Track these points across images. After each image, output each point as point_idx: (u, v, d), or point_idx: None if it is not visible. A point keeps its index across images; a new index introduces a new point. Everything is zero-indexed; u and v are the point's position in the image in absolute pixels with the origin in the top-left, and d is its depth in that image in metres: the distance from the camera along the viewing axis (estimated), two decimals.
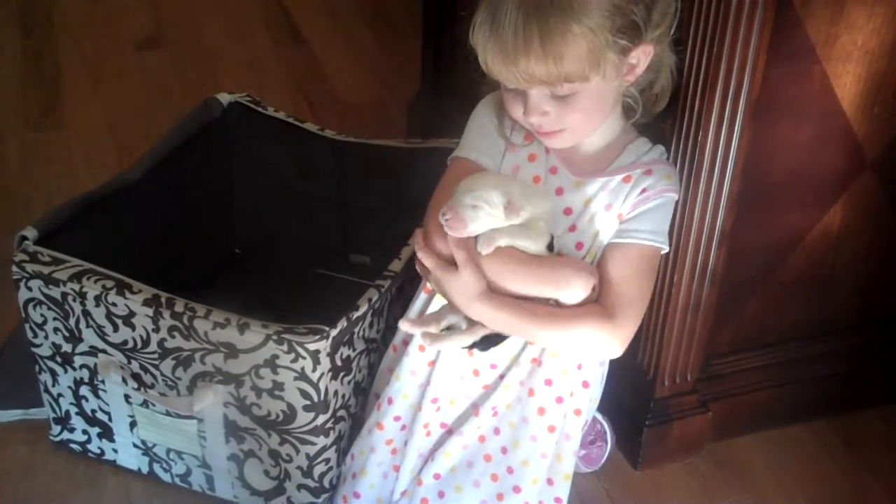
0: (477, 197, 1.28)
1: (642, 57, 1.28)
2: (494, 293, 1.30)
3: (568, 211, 1.34)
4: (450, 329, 1.36)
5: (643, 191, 1.33)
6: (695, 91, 1.37)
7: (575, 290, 1.30)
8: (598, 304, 1.32)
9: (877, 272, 1.67)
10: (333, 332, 1.39)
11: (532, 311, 1.30)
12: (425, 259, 1.33)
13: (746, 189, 1.46)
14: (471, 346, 1.35)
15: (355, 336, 1.45)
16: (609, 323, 1.31)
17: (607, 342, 1.32)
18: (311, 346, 1.37)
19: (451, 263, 1.31)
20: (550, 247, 1.32)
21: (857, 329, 1.70)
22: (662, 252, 1.37)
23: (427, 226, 1.36)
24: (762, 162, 1.46)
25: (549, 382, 1.38)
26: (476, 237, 1.29)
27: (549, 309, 1.31)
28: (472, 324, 1.33)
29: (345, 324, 1.41)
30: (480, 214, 1.27)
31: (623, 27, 1.23)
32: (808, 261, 1.60)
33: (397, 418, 1.45)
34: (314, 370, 1.38)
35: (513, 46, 1.22)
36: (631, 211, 1.33)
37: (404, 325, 1.37)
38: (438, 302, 1.39)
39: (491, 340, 1.34)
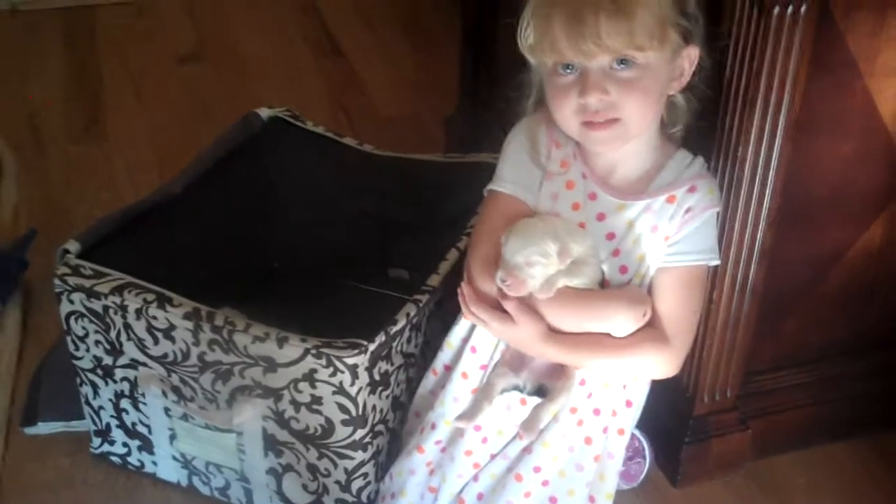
0: (530, 254, 1.26)
1: (686, 63, 1.28)
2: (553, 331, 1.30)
3: (611, 236, 1.33)
4: (511, 391, 1.36)
5: (688, 210, 1.32)
6: (735, 106, 1.37)
7: (620, 322, 1.29)
8: (654, 328, 1.32)
9: None
10: (372, 347, 1.39)
11: (593, 342, 1.31)
12: (479, 312, 1.32)
13: (787, 204, 1.45)
14: (528, 394, 1.36)
15: (393, 351, 1.45)
16: (666, 347, 1.32)
17: (665, 365, 1.34)
18: (350, 361, 1.37)
19: (500, 308, 1.30)
20: (601, 282, 1.32)
21: None
22: (713, 265, 1.37)
23: (470, 268, 1.35)
24: (803, 177, 1.45)
25: (597, 412, 1.38)
26: None
27: (609, 339, 1.31)
28: (533, 381, 1.35)
29: (383, 338, 1.41)
30: (537, 270, 1.26)
31: (684, 12, 1.24)
32: (849, 277, 1.59)
33: (438, 442, 1.44)
34: (352, 384, 1.39)
35: (582, 4, 1.21)
36: (677, 232, 1.32)
37: (460, 425, 1.35)
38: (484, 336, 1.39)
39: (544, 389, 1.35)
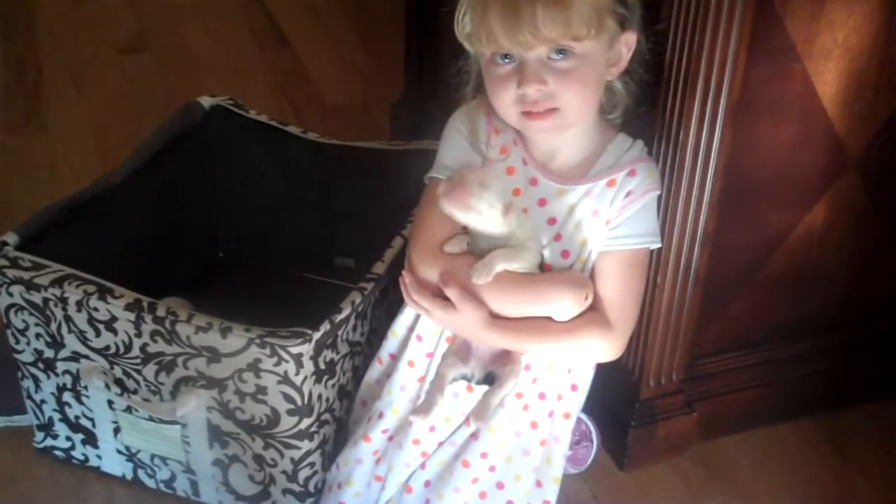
0: (485, 184, 1.27)
1: (624, 49, 1.28)
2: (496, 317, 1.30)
3: (552, 220, 1.33)
4: (460, 380, 1.36)
5: (628, 194, 1.32)
6: (675, 90, 1.37)
7: (562, 305, 1.30)
8: (597, 312, 1.32)
9: (860, 270, 1.67)
10: (316, 336, 1.38)
11: (535, 327, 1.31)
12: (422, 301, 1.32)
13: (728, 189, 1.46)
14: (476, 383, 1.36)
15: (339, 339, 1.44)
16: (609, 331, 1.33)
17: (609, 349, 1.35)
18: (294, 350, 1.36)
19: (443, 294, 1.30)
20: (541, 266, 1.32)
21: (840, 327, 1.71)
22: (654, 248, 1.38)
23: (412, 256, 1.35)
24: (744, 161, 1.46)
25: (542, 396, 1.38)
26: (474, 266, 1.28)
27: (552, 324, 1.31)
28: (481, 369, 1.35)
29: (328, 327, 1.40)
30: (485, 196, 1.26)
31: (620, 3, 1.24)
32: (792, 260, 1.60)
33: (385, 431, 1.44)
34: (297, 374, 1.38)
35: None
36: (618, 215, 1.33)
37: (417, 419, 1.35)
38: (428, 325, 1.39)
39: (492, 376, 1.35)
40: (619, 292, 1.34)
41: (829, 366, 1.72)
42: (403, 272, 1.35)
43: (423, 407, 1.34)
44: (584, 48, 1.24)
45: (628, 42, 1.28)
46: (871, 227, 1.63)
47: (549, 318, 1.31)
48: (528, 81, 1.25)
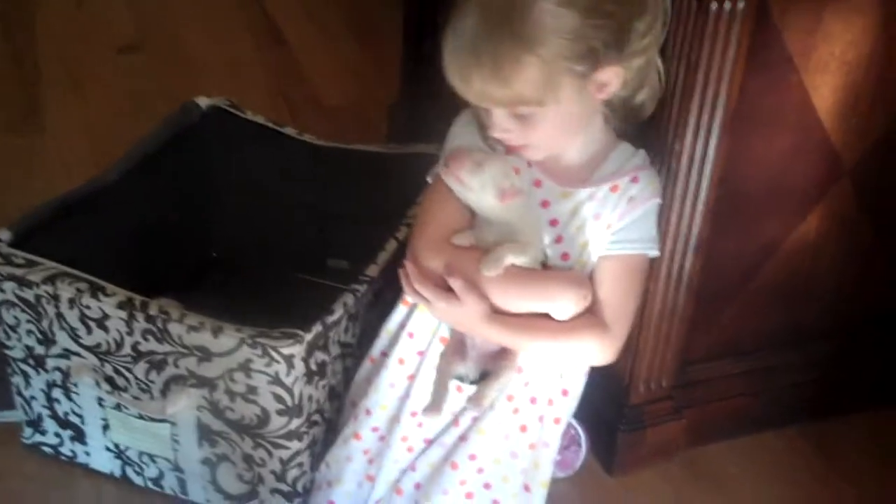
0: (486, 161, 1.28)
1: (614, 77, 1.26)
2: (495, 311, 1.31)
3: (554, 222, 1.33)
4: (458, 379, 1.37)
5: (630, 200, 1.33)
6: (672, 100, 1.38)
7: (563, 303, 1.30)
8: (594, 315, 1.33)
9: (852, 281, 1.67)
10: (308, 337, 1.38)
11: (534, 325, 1.31)
12: (423, 290, 1.31)
13: (723, 198, 1.47)
14: (470, 382, 1.36)
15: (330, 341, 1.44)
16: (605, 334, 1.33)
17: (604, 352, 1.35)
18: (285, 351, 1.36)
19: (444, 286, 1.30)
20: (544, 264, 1.33)
21: (831, 336, 1.71)
22: (652, 256, 1.38)
23: (415, 246, 1.35)
24: (739, 171, 1.47)
25: (533, 400, 1.39)
26: (483, 259, 1.28)
27: (550, 322, 1.31)
28: (477, 369, 1.35)
29: (319, 328, 1.40)
30: (478, 175, 1.28)
31: (583, 53, 1.21)
32: (785, 269, 1.61)
33: (375, 429, 1.44)
34: (288, 374, 1.38)
35: (467, 65, 1.22)
36: (619, 221, 1.33)
37: (429, 416, 1.35)
38: (421, 318, 1.39)
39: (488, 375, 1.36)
40: (617, 296, 1.34)
41: (818, 374, 1.72)
42: (405, 261, 1.35)
43: (433, 405, 1.34)
44: (543, 105, 1.25)
45: (608, 75, 1.26)
46: (864, 237, 1.64)
47: (548, 317, 1.31)
48: (493, 128, 1.29)
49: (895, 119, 1.53)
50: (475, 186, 1.29)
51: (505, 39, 1.19)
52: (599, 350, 1.34)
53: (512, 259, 1.29)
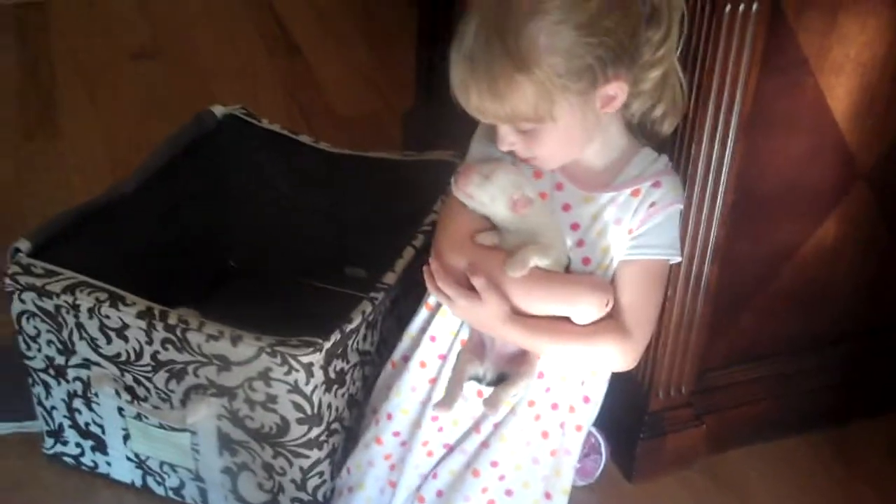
0: (493, 173, 1.29)
1: (619, 91, 1.25)
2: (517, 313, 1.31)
3: (575, 226, 1.33)
4: (473, 380, 1.36)
5: (652, 205, 1.32)
6: (688, 104, 1.37)
7: (584, 307, 1.30)
8: (615, 320, 1.32)
9: (870, 283, 1.67)
10: (327, 345, 1.38)
11: (555, 327, 1.31)
12: (446, 288, 1.32)
13: (740, 202, 1.46)
14: (487, 384, 1.36)
15: (349, 349, 1.45)
16: (626, 339, 1.32)
17: (624, 357, 1.34)
18: (305, 359, 1.36)
19: (468, 285, 1.31)
20: (567, 268, 1.33)
21: (850, 340, 1.70)
22: (674, 262, 1.38)
23: (439, 244, 1.35)
24: (756, 174, 1.46)
25: (555, 407, 1.39)
26: (507, 259, 1.28)
27: (571, 326, 1.31)
28: (494, 370, 1.35)
29: (338, 336, 1.41)
30: (487, 188, 1.29)
31: (579, 71, 1.20)
32: (803, 273, 1.60)
33: (396, 434, 1.44)
34: (307, 383, 1.38)
35: (464, 80, 1.22)
36: (640, 226, 1.32)
37: (440, 412, 1.35)
38: (442, 322, 1.39)
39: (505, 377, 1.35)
40: (638, 302, 1.34)
41: (838, 379, 1.71)
42: (430, 259, 1.35)
43: (446, 401, 1.34)
44: (541, 121, 1.25)
45: (613, 90, 1.25)
46: (881, 240, 1.63)
47: (568, 320, 1.31)
48: (499, 141, 1.29)
49: None
50: (486, 200, 1.30)
51: (499, 57, 1.19)
52: (620, 355, 1.34)
53: (536, 261, 1.29)
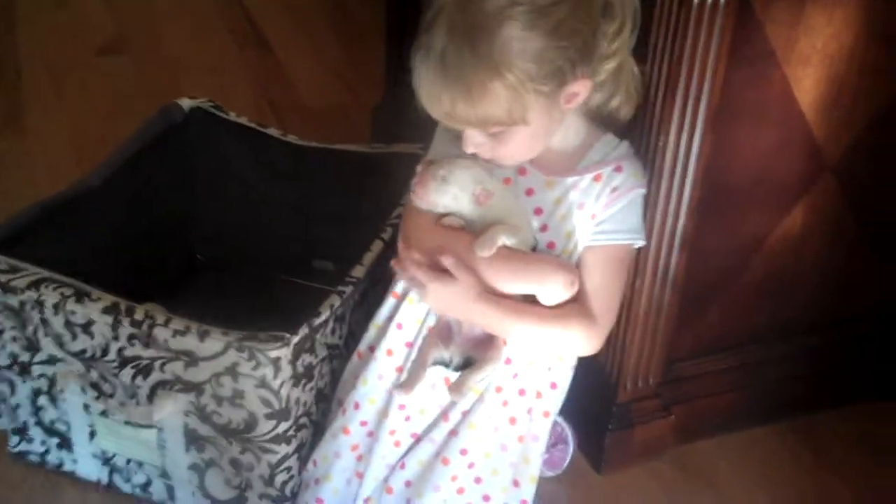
0: (450, 173, 1.29)
1: (582, 88, 1.27)
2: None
3: (539, 211, 1.34)
4: (439, 364, 1.36)
5: (613, 189, 1.33)
6: (655, 95, 1.38)
7: (552, 286, 1.31)
8: (580, 304, 1.34)
9: (837, 274, 1.67)
10: (294, 339, 1.38)
11: (523, 308, 1.32)
12: (417, 272, 1.32)
13: (708, 193, 1.47)
14: (454, 369, 1.36)
15: (317, 343, 1.44)
16: (592, 323, 1.34)
17: (589, 341, 1.36)
18: (272, 354, 1.36)
19: (435, 268, 1.31)
20: (534, 249, 1.34)
21: (818, 330, 1.71)
22: (637, 246, 1.39)
23: (407, 230, 1.37)
24: (723, 166, 1.47)
25: (522, 392, 1.39)
26: (476, 240, 1.29)
27: (539, 307, 1.32)
28: (461, 354, 1.35)
29: (306, 330, 1.40)
30: (448, 189, 1.30)
31: (550, 74, 1.22)
32: (770, 264, 1.61)
33: (364, 423, 1.44)
34: (275, 377, 1.37)
35: (435, 87, 1.23)
36: (603, 210, 1.34)
37: (401, 394, 1.35)
38: (410, 311, 1.39)
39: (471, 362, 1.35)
40: (603, 286, 1.35)
41: (806, 369, 1.72)
42: (399, 249, 1.36)
43: (407, 383, 1.35)
44: (513, 125, 1.26)
45: (577, 87, 1.27)
46: (848, 231, 1.64)
47: (537, 302, 1.32)
48: (465, 144, 1.30)
49: (877, 112, 1.53)
50: (448, 202, 1.31)
51: (472, 63, 1.20)
52: (585, 340, 1.35)
53: (504, 239, 1.29)
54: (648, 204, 1.42)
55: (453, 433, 1.40)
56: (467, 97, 1.22)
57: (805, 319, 1.70)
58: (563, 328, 1.33)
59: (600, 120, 1.37)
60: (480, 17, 1.20)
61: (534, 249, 1.34)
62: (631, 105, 1.37)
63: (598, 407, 1.61)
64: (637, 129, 1.41)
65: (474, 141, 1.29)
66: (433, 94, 1.24)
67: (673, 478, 1.66)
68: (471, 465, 1.41)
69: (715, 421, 1.70)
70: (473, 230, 1.32)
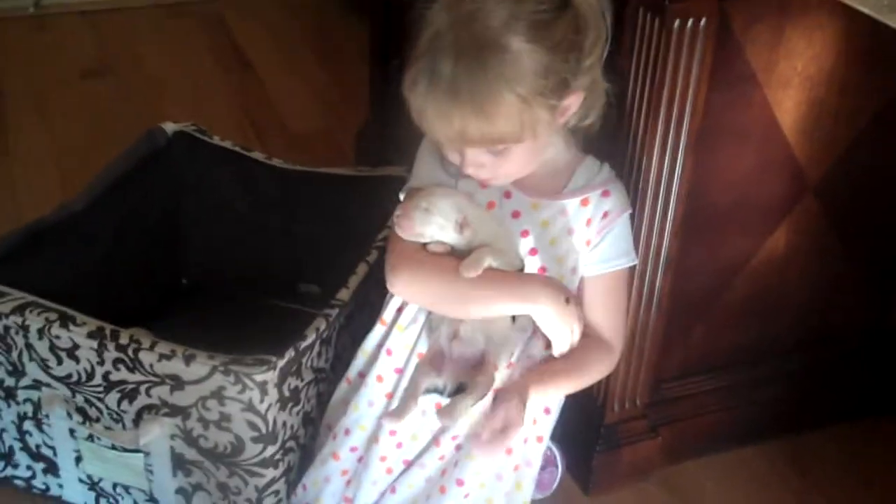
0: (432, 203, 1.29)
1: (574, 101, 1.29)
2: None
3: (525, 233, 1.35)
4: (432, 392, 1.36)
5: (605, 214, 1.34)
6: (638, 118, 1.38)
7: (543, 306, 1.30)
8: (595, 337, 1.37)
9: (821, 293, 1.68)
10: (281, 363, 1.38)
11: (551, 376, 1.36)
12: (509, 436, 1.31)
13: (691, 215, 1.48)
14: (447, 395, 1.36)
15: (303, 366, 1.44)
16: (610, 351, 1.40)
17: (611, 368, 1.44)
18: (259, 377, 1.36)
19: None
20: (521, 270, 1.34)
21: (803, 350, 1.72)
22: (633, 265, 1.41)
23: (392, 260, 1.35)
24: (706, 187, 1.48)
25: None
26: (463, 262, 1.29)
27: (562, 364, 1.35)
28: (454, 380, 1.35)
29: (292, 354, 1.40)
30: (432, 220, 1.30)
31: (555, 86, 1.24)
32: (754, 284, 1.62)
33: (354, 449, 1.44)
34: (262, 401, 1.37)
35: (447, 107, 1.22)
36: (598, 236, 1.35)
37: (391, 422, 1.35)
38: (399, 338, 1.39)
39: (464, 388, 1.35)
40: (613, 312, 1.40)
41: (792, 389, 1.73)
42: (386, 276, 1.35)
43: (397, 411, 1.34)
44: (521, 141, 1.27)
45: (577, 97, 1.28)
46: (832, 251, 1.65)
47: (562, 364, 1.35)
48: (466, 166, 1.30)
49: (858, 133, 1.55)
50: (435, 231, 1.31)
51: (483, 80, 1.20)
52: (609, 367, 1.42)
53: (490, 261, 1.30)
54: (633, 225, 1.42)
55: (450, 462, 1.40)
56: (480, 114, 1.22)
57: (790, 338, 1.71)
58: (591, 374, 1.39)
59: (574, 135, 1.37)
60: (488, 33, 1.21)
61: (520, 272, 1.34)
62: (600, 116, 1.36)
63: (586, 429, 1.62)
64: (619, 152, 1.42)
65: (476, 161, 1.29)
66: (443, 115, 1.23)
67: (660, 498, 1.66)
68: (466, 496, 1.40)
69: (702, 441, 1.70)
70: (461, 255, 1.32)
